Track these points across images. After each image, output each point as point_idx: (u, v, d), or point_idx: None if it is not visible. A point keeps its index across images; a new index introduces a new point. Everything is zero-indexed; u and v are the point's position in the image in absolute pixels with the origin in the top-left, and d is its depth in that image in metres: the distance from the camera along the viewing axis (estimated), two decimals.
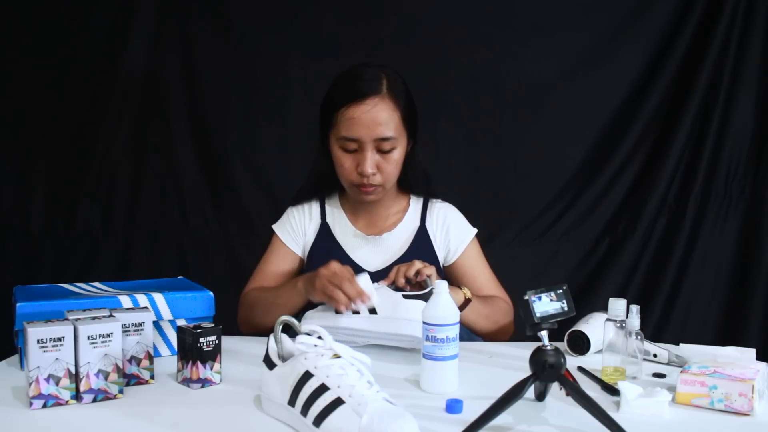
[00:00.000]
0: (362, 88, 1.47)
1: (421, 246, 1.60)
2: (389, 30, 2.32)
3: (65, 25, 2.32)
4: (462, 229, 1.65)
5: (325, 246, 1.60)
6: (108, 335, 1.10)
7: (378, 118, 1.46)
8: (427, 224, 1.63)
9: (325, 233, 1.62)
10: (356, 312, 1.35)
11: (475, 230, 1.65)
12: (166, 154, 2.38)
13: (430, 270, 1.40)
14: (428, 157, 1.67)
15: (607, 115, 2.36)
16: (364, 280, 1.37)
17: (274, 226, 1.67)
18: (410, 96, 1.54)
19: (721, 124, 2.28)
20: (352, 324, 1.35)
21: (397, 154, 1.51)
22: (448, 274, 1.65)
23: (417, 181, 1.64)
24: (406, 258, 1.56)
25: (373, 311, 1.35)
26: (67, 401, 1.08)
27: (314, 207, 1.65)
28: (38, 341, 1.05)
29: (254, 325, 1.57)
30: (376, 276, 1.53)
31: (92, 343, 1.08)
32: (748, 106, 2.29)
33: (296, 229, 1.64)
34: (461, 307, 1.44)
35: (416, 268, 1.39)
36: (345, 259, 1.57)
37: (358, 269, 1.55)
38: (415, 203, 1.66)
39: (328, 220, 1.63)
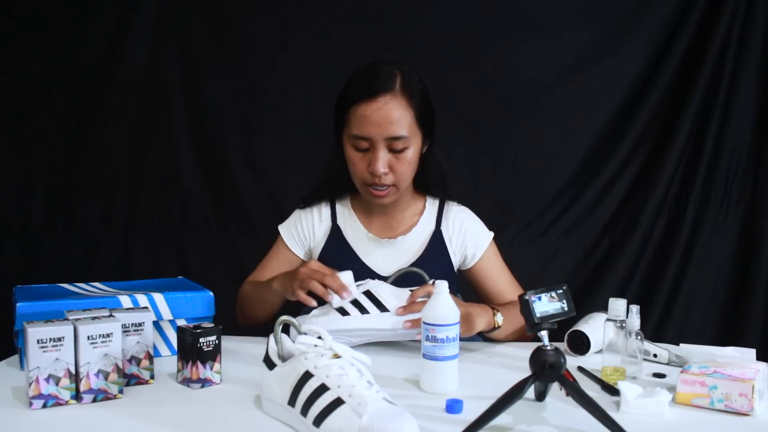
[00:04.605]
0: (374, 85, 1.43)
1: (436, 251, 1.58)
2: (389, 31, 2.31)
3: (65, 25, 2.32)
4: (479, 233, 1.62)
5: (337, 249, 1.58)
6: (108, 335, 1.10)
7: (389, 116, 1.42)
8: (443, 228, 1.60)
9: (336, 236, 1.59)
10: (345, 312, 1.35)
11: (492, 234, 1.63)
12: (166, 154, 2.38)
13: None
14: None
15: (607, 115, 2.36)
16: (346, 276, 1.36)
17: (280, 227, 1.65)
18: (426, 94, 1.50)
19: (721, 124, 2.28)
20: (365, 324, 1.34)
21: (410, 154, 1.48)
22: (467, 278, 1.64)
23: (434, 181, 1.61)
24: (420, 263, 1.55)
25: (384, 309, 1.35)
26: (67, 401, 1.08)
27: (324, 209, 1.62)
28: (38, 341, 1.05)
29: (245, 317, 1.58)
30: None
31: (92, 343, 1.08)
32: (748, 106, 2.28)
33: (301, 232, 1.61)
34: (488, 331, 1.44)
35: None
36: (357, 263, 1.55)
37: (370, 274, 1.54)
38: (431, 206, 1.63)
39: (339, 222, 1.60)
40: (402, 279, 1.46)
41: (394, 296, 1.37)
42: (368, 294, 1.37)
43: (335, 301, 1.35)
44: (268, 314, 1.52)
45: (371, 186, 1.49)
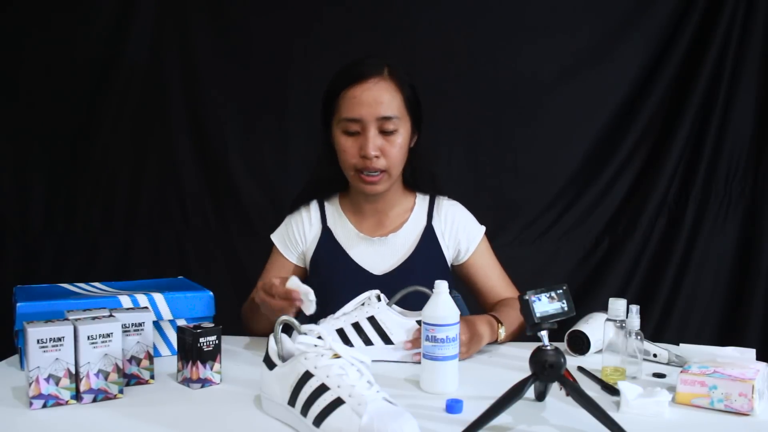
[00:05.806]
0: (363, 70, 1.46)
1: (429, 246, 1.57)
2: (389, 30, 2.32)
3: (65, 25, 2.32)
4: (471, 228, 1.62)
5: (328, 250, 1.57)
6: (108, 335, 1.10)
7: (379, 96, 1.45)
8: (434, 223, 1.59)
9: (327, 237, 1.58)
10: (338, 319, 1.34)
11: (484, 228, 1.64)
12: (166, 154, 2.38)
13: None
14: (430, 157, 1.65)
15: (606, 115, 2.36)
16: (292, 281, 1.31)
17: (273, 236, 1.64)
18: (413, 88, 1.52)
19: (721, 124, 2.28)
20: (369, 356, 1.33)
21: (401, 138, 1.48)
22: (459, 273, 1.64)
23: (423, 177, 1.61)
24: (413, 259, 1.54)
25: (388, 341, 1.33)
26: (67, 401, 1.08)
27: (313, 212, 1.61)
28: (38, 341, 1.05)
29: (251, 331, 1.56)
30: (384, 279, 1.50)
31: (92, 343, 1.08)
32: (748, 106, 2.28)
33: (293, 237, 1.60)
34: (491, 342, 1.43)
35: None
36: (349, 263, 1.55)
37: (363, 273, 1.53)
38: (422, 202, 1.62)
39: (329, 223, 1.59)
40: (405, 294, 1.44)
41: (401, 327, 1.33)
42: (372, 321, 1.34)
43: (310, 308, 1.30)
44: (267, 326, 1.50)
45: (363, 172, 1.48)
